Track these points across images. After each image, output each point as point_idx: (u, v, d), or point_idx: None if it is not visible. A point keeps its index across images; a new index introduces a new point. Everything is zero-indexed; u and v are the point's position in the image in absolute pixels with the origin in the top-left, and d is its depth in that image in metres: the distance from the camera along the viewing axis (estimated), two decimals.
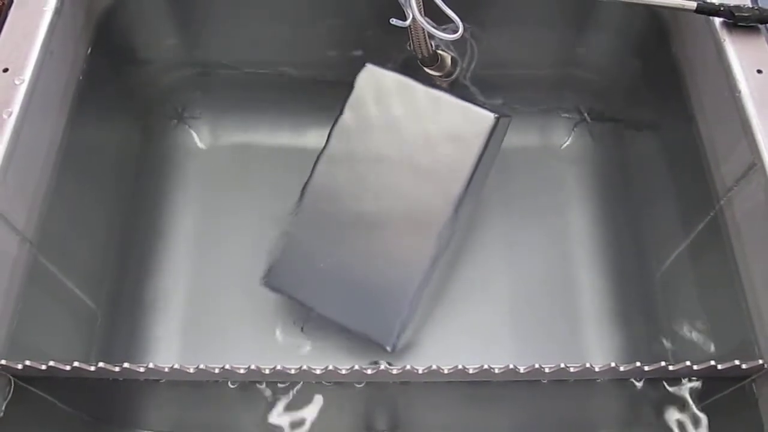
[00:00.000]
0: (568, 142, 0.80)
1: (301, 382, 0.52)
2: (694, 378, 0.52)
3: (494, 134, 0.62)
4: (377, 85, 0.64)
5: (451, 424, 0.59)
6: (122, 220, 0.71)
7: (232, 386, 0.51)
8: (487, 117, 0.61)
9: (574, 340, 0.68)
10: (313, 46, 0.73)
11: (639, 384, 0.52)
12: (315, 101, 0.76)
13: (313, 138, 0.71)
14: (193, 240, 0.74)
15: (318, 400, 0.54)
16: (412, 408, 0.58)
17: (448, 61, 0.68)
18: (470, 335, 0.69)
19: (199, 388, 0.53)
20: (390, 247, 0.62)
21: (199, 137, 0.80)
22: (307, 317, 0.69)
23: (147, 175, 0.75)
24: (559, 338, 0.69)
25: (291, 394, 0.53)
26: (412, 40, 0.63)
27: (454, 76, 0.69)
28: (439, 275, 0.66)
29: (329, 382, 0.52)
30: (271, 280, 0.65)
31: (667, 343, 0.64)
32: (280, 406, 0.54)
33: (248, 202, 0.76)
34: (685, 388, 0.53)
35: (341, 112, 0.64)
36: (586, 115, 0.79)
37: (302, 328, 0.69)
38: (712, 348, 0.58)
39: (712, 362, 0.48)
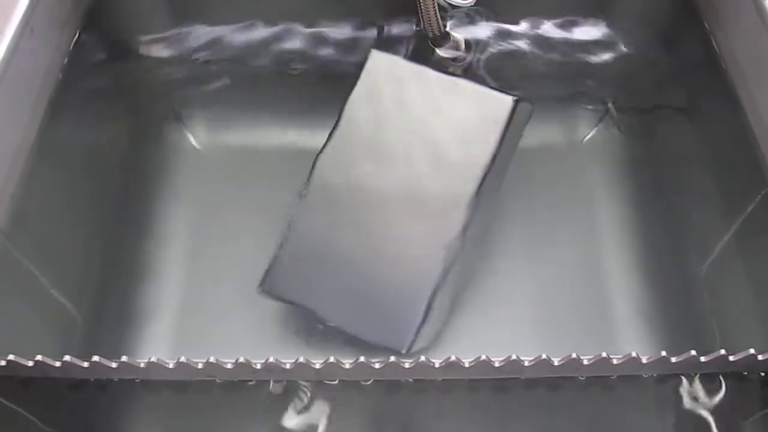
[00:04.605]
0: (592, 136, 0.74)
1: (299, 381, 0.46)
2: (758, 371, 0.44)
3: (514, 120, 0.57)
4: (385, 72, 0.59)
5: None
6: (110, 221, 0.66)
7: (219, 382, 0.44)
8: (506, 101, 0.56)
9: (607, 346, 0.61)
10: (316, 37, 0.70)
11: (689, 381, 0.44)
12: (318, 96, 0.71)
13: (315, 137, 0.66)
14: (186, 245, 0.68)
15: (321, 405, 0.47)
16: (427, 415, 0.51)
17: (462, 44, 0.63)
18: (491, 340, 0.62)
19: (184, 391, 0.46)
20: (403, 245, 0.57)
21: (194, 136, 0.75)
22: (311, 327, 0.62)
23: (138, 175, 0.70)
24: (588, 346, 0.62)
25: (287, 397, 0.47)
26: (422, 16, 0.59)
27: (467, 61, 0.65)
28: (457, 275, 0.60)
29: (331, 380, 0.45)
30: (268, 286, 0.59)
31: (713, 345, 0.57)
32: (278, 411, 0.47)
33: (245, 204, 0.70)
34: (746, 384, 0.45)
35: (347, 103, 0.59)
36: (611, 106, 0.73)
37: (306, 341, 0.63)
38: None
39: None
